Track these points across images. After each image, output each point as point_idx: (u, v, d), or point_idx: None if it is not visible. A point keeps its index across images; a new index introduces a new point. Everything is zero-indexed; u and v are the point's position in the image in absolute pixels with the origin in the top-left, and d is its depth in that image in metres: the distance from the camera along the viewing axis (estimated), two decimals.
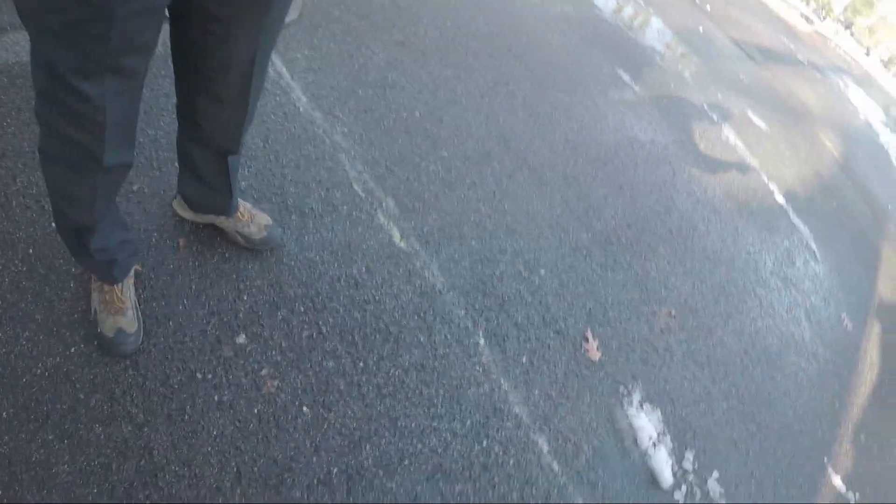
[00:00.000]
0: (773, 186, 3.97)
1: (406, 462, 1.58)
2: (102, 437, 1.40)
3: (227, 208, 1.61)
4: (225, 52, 1.15)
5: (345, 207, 1.92)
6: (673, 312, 2.50)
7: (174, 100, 1.34)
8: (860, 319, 3.50)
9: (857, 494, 2.56)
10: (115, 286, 1.47)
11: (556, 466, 1.79)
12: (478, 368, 1.84)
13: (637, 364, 2.21)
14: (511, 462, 1.72)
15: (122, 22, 0.90)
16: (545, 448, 1.80)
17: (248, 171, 1.83)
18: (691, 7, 6.23)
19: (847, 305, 3.47)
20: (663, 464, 1.97)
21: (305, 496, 1.44)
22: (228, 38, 1.12)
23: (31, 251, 1.57)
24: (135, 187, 1.72)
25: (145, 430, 1.43)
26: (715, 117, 4.27)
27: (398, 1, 3.08)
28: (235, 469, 1.43)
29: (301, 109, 2.16)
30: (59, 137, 1.09)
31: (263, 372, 1.52)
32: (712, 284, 2.81)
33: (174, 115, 1.40)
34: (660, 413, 2.12)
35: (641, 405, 2.07)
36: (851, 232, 4.29)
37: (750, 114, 4.70)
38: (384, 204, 2.05)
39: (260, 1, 1.07)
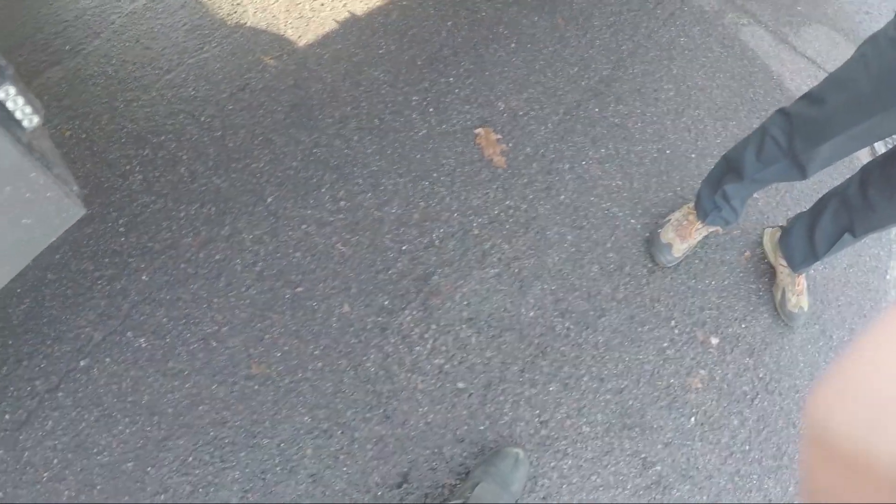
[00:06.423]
0: None
1: None
2: (546, 289, 1.75)
3: (800, 265, 1.75)
4: None
5: None
6: None
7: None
8: None
9: None
10: (699, 222, 1.78)
11: None
12: None
13: None
14: None
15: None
16: None
17: (824, 263, 1.96)
18: None
19: None
20: None
21: (641, 494, 1.57)
22: None
23: (667, 152, 1.98)
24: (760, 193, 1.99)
25: (598, 319, 1.75)
26: None
27: None
28: (620, 407, 1.63)
29: (888, 278, 2.17)
30: (781, 132, 1.44)
31: (702, 372, 1.71)
32: None
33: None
34: None
35: None
36: None
37: None
38: None
39: None
